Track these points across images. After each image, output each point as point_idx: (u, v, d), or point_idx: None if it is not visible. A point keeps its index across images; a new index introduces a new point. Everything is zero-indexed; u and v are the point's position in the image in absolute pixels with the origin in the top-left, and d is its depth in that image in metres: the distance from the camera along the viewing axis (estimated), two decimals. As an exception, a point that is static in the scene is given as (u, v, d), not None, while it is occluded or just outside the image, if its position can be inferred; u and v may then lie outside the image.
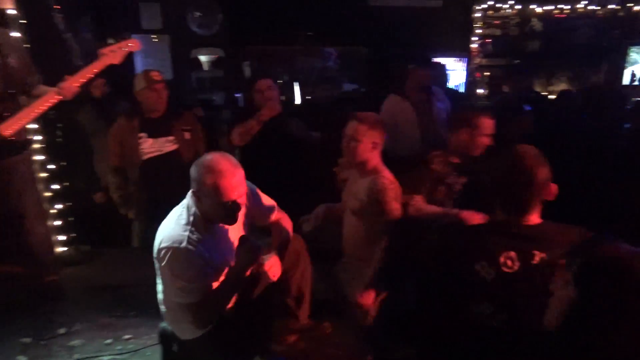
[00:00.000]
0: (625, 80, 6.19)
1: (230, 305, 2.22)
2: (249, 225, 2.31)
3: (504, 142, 2.58)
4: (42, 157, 3.50)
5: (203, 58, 5.99)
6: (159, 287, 2.18)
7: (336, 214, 2.82)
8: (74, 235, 3.74)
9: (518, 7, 5.84)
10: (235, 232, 2.15)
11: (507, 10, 5.88)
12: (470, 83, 5.70)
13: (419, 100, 3.68)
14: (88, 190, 3.85)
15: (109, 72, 3.00)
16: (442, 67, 4.74)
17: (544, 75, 6.43)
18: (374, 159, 2.62)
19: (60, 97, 2.82)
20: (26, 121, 2.82)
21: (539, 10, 5.88)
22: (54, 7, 3.80)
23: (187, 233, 2.00)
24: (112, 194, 3.43)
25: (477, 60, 5.68)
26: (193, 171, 2.02)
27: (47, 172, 3.54)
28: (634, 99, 5.27)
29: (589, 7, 5.85)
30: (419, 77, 3.68)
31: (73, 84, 2.82)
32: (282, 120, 3.45)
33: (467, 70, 5.72)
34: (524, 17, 6.09)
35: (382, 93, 3.83)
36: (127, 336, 2.78)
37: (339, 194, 2.87)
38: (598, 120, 4.32)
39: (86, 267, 3.66)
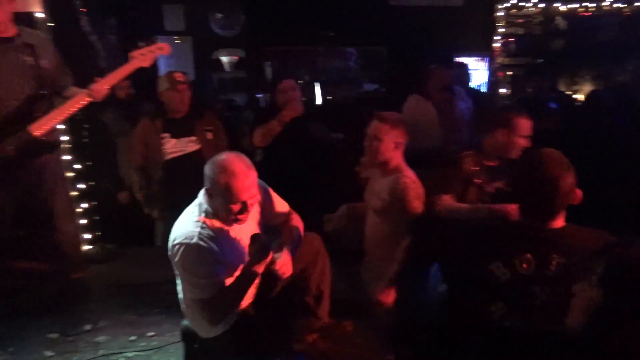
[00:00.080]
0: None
1: (247, 303, 2.24)
2: (263, 224, 2.34)
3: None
4: (68, 157, 3.57)
5: (224, 59, 6.03)
6: (179, 285, 2.22)
7: (358, 214, 2.82)
8: (99, 233, 3.80)
9: (542, 5, 5.74)
10: (249, 230, 2.17)
11: (531, 9, 5.79)
12: (493, 83, 5.63)
13: (440, 100, 3.66)
14: (113, 189, 3.92)
15: (133, 73, 3.04)
16: (464, 67, 4.70)
17: (568, 75, 6.33)
18: (396, 158, 2.62)
19: (91, 98, 2.87)
20: (56, 122, 2.88)
21: (563, 8, 5.77)
22: (80, 10, 3.87)
23: (198, 229, 2.04)
24: (136, 193, 3.48)
25: (500, 60, 5.60)
26: (207, 169, 2.06)
27: (73, 172, 3.60)
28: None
29: (615, 5, 5.72)
30: (440, 76, 3.65)
31: (103, 86, 2.86)
32: (304, 122, 3.46)
33: (489, 69, 5.66)
34: (548, 15, 5.99)
35: (403, 93, 3.82)
36: (150, 333, 2.81)
37: (360, 194, 2.87)
38: (630, 121, 4.19)
39: (111, 265, 3.71)
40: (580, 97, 6.00)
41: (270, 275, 2.22)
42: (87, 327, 2.89)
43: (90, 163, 3.76)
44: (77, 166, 3.63)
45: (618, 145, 3.60)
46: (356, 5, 5.32)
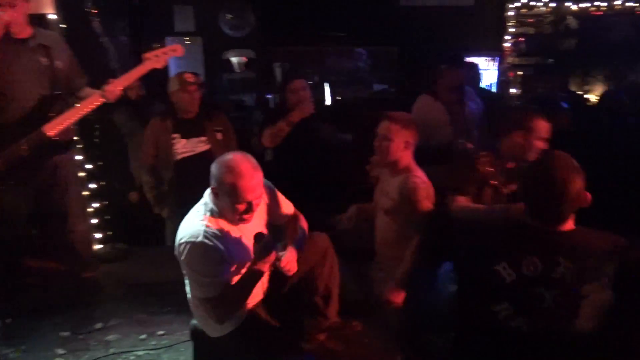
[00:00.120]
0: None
1: (255, 302, 2.25)
2: (269, 224, 2.36)
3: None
4: (80, 157, 3.59)
5: (234, 59, 6.05)
6: (187, 285, 2.23)
7: (368, 214, 2.82)
8: (109, 233, 3.83)
9: (553, 4, 5.71)
10: (255, 229, 2.18)
11: (541, 8, 5.76)
12: (503, 83, 5.60)
13: (450, 100, 3.64)
14: (123, 189, 3.94)
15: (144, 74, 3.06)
16: (474, 67, 4.68)
17: (580, 75, 6.28)
18: (406, 158, 2.62)
19: (104, 99, 2.89)
20: (70, 122, 2.90)
21: (574, 7, 5.74)
22: (92, 11, 3.90)
23: (203, 228, 2.05)
24: (146, 193, 3.50)
25: (510, 60, 5.58)
26: (214, 169, 2.08)
27: (84, 172, 3.63)
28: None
29: (627, 4, 5.68)
30: (450, 77, 3.63)
31: (117, 87, 2.89)
32: (313, 122, 3.46)
33: (500, 69, 5.63)
34: (559, 15, 5.95)
35: (413, 93, 3.81)
36: (160, 332, 2.83)
37: (369, 194, 2.87)
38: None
39: (121, 264, 3.73)
40: (591, 97, 5.95)
41: (277, 274, 2.23)
42: (98, 325, 2.92)
43: (101, 163, 3.79)
44: (88, 166, 3.66)
45: (633, 146, 3.54)
46: (366, 5, 5.31)
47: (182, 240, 2.06)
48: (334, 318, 2.51)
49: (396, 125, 2.58)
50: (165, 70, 4.53)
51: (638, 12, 5.78)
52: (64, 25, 3.47)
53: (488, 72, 5.62)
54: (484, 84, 5.39)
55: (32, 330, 2.87)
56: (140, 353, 2.66)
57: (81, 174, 3.60)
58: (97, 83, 3.02)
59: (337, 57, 6.15)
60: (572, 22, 6.05)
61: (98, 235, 3.74)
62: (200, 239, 2.02)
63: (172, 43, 3.40)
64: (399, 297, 2.50)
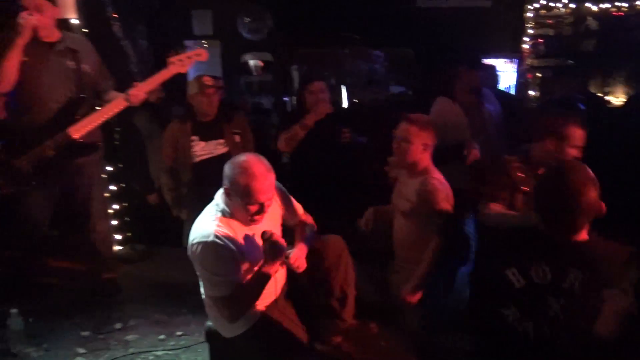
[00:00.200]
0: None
1: (268, 302, 2.26)
2: (281, 224, 2.38)
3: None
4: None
5: (251, 62, 6.09)
6: (202, 287, 2.25)
7: (386, 216, 2.82)
8: (129, 234, 3.88)
9: (572, 5, 5.64)
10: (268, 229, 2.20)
11: (561, 10, 5.69)
12: (521, 85, 5.55)
13: (468, 102, 3.61)
14: (143, 191, 3.99)
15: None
16: (492, 69, 4.64)
17: (600, 76, 6.19)
18: (425, 160, 2.61)
19: (128, 103, 2.94)
20: (94, 125, 2.94)
21: (594, 8, 5.66)
22: (112, 15, 3.96)
23: (214, 227, 2.08)
24: (165, 195, 3.52)
25: (529, 61, 5.52)
26: (227, 169, 2.10)
27: (105, 174, 3.66)
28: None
29: (649, 5, 5.59)
30: (468, 79, 3.60)
31: (141, 91, 2.93)
32: (329, 124, 3.46)
33: (518, 71, 5.58)
34: (579, 16, 5.88)
35: (431, 95, 3.79)
36: (179, 332, 2.86)
37: (387, 197, 2.86)
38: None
39: (141, 265, 3.79)
40: (612, 99, 5.86)
41: (292, 275, 2.25)
42: (118, 325, 2.96)
43: (121, 165, 3.84)
44: (109, 168, 3.71)
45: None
46: (383, 7, 5.30)
47: (195, 241, 2.09)
48: (350, 320, 2.51)
49: (415, 127, 2.58)
50: (184, 73, 4.59)
51: (660, 13, 5.68)
52: (86, 30, 3.53)
53: (507, 74, 5.57)
54: (502, 86, 5.35)
55: (53, 329, 2.92)
56: (159, 353, 2.69)
57: (102, 176, 3.65)
58: (117, 86, 3.07)
59: (354, 59, 6.15)
60: (592, 23, 5.97)
61: (118, 237, 3.79)
62: (211, 238, 2.05)
63: (191, 47, 3.42)
64: (416, 299, 2.49)
